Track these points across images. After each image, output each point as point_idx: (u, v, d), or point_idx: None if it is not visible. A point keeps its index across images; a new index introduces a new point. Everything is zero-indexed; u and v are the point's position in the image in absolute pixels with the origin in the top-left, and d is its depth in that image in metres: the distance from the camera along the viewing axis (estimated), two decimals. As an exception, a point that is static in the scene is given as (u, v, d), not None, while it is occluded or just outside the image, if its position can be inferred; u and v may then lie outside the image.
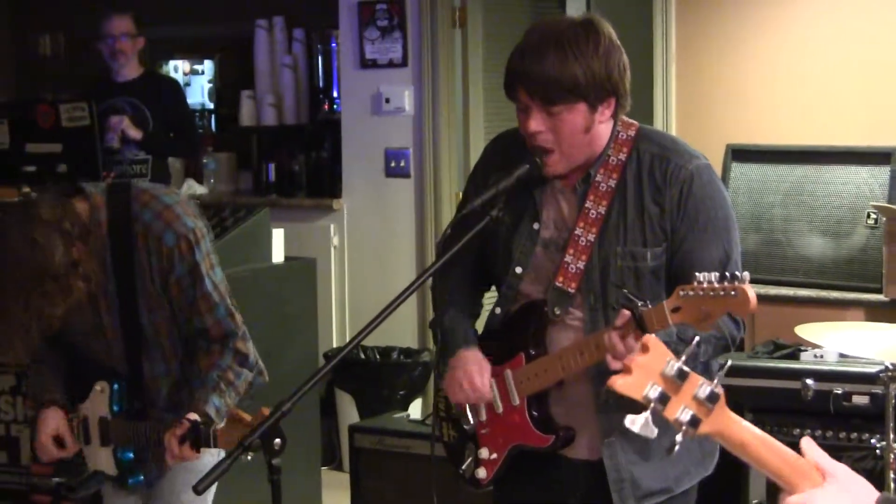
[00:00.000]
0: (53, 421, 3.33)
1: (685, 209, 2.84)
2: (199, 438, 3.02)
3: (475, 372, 2.98)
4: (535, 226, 2.94)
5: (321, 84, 7.07)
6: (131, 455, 3.32)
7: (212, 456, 3.15)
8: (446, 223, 5.75)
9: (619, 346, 2.65)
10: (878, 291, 4.99)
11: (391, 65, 6.20)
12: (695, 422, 1.97)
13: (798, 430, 4.33)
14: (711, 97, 5.57)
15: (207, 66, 7.98)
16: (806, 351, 4.52)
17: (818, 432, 4.30)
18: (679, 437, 1.97)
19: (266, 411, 2.67)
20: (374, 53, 6.23)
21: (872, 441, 4.15)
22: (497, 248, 2.99)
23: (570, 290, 2.87)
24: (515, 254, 2.95)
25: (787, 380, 4.36)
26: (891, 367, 3.93)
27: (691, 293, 2.54)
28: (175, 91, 6.56)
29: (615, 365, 2.68)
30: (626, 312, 2.64)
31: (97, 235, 3.14)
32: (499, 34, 6.35)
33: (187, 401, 3.22)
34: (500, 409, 3.00)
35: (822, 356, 4.51)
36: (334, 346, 6.16)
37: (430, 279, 2.96)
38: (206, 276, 3.21)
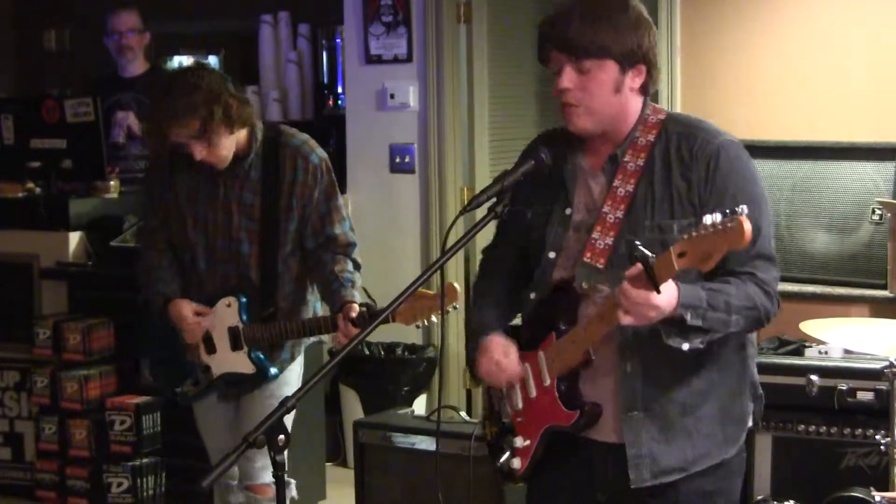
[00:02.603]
0: (187, 305, 3.98)
1: (713, 183, 2.85)
2: (369, 317, 3.74)
3: (500, 353, 3.03)
4: (567, 211, 2.98)
5: (326, 79, 7.07)
6: (262, 355, 3.98)
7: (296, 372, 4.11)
8: (451, 218, 5.75)
9: (632, 294, 2.66)
10: (883, 287, 4.98)
11: (396, 60, 6.19)
12: None
13: (803, 426, 4.33)
14: (716, 93, 5.56)
15: (212, 61, 7.97)
16: (811, 347, 4.52)
17: (823, 428, 4.30)
18: None
19: (452, 284, 3.77)
20: (378, 49, 6.23)
21: (877, 437, 4.15)
22: (534, 236, 3.03)
23: (598, 265, 2.89)
24: (549, 239, 2.99)
25: (792, 376, 4.37)
26: (895, 363, 3.93)
27: (694, 234, 2.56)
28: None
29: (626, 320, 2.71)
30: (638, 265, 2.65)
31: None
32: (503, 30, 6.35)
33: (326, 301, 3.98)
34: (534, 394, 3.02)
35: (826, 352, 4.52)
36: (339, 341, 6.17)
37: (439, 274, 2.98)
38: (338, 194, 4.02)
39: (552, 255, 2.99)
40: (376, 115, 6.27)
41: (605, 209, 2.90)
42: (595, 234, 2.90)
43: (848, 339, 4.04)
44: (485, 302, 3.19)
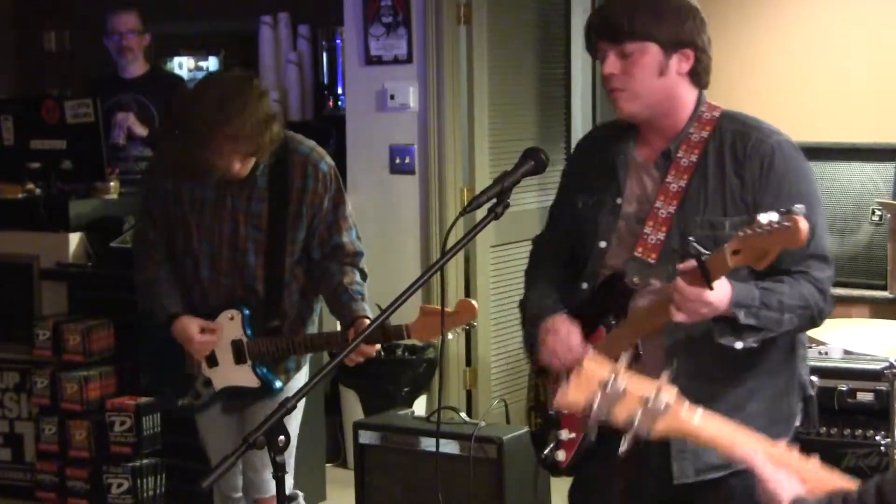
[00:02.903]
0: (192, 322, 3.86)
1: (767, 181, 2.86)
2: (381, 334, 3.75)
3: (567, 332, 3.00)
4: (618, 200, 2.99)
5: (326, 80, 7.08)
6: (265, 368, 3.90)
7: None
8: (451, 219, 5.76)
9: (685, 290, 2.66)
10: (883, 288, 4.98)
11: (396, 61, 6.19)
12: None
13: (802, 427, 4.33)
14: (716, 95, 5.54)
15: (212, 62, 7.98)
16: (811, 347, 4.52)
17: (823, 429, 4.30)
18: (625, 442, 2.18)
19: (470, 302, 3.81)
20: (378, 50, 6.22)
21: (877, 438, 4.16)
22: (586, 227, 3.04)
23: (650, 260, 2.90)
24: (600, 229, 3.00)
25: (792, 376, 4.36)
26: (895, 363, 3.93)
27: (749, 232, 2.55)
28: (181, 88, 6.56)
29: (678, 316, 2.71)
30: (692, 261, 2.66)
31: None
32: (504, 31, 6.34)
33: (335, 314, 3.89)
34: None
35: (826, 353, 4.52)
36: (339, 342, 6.17)
37: (440, 275, 2.98)
38: (346, 203, 3.94)
39: (603, 244, 3.00)
40: (376, 116, 6.27)
41: (658, 204, 2.91)
42: (647, 229, 2.91)
43: (848, 339, 4.04)
44: (541, 287, 3.18)
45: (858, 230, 5.10)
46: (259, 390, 3.92)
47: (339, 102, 6.91)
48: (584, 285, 3.05)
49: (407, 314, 3.62)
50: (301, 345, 3.90)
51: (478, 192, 3.23)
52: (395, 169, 6.24)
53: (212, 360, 3.93)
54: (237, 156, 3.68)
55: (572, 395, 2.21)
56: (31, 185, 5.82)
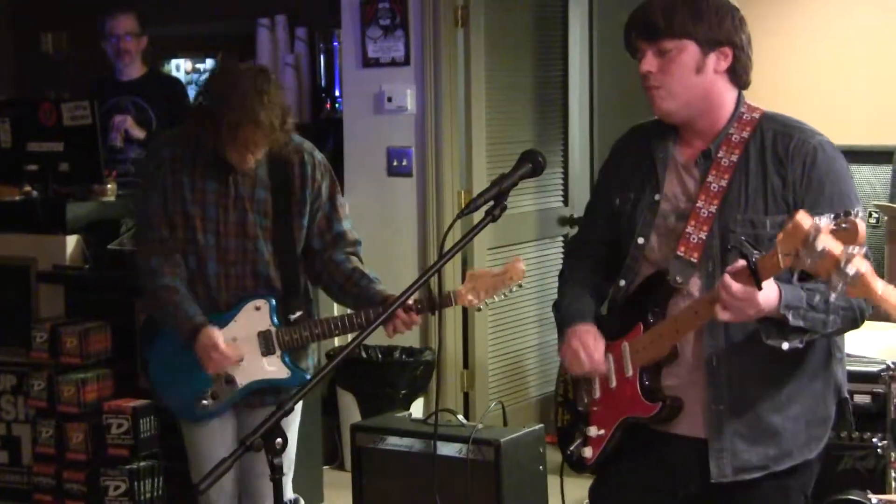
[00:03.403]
0: (217, 333, 3.77)
1: (810, 182, 2.86)
2: (428, 304, 3.77)
3: (589, 341, 3.01)
4: (657, 197, 2.99)
5: (323, 83, 7.07)
6: (291, 360, 3.86)
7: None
8: (448, 222, 5.76)
9: (733, 287, 2.65)
10: (881, 290, 4.98)
11: (393, 63, 6.19)
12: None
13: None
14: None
15: (210, 64, 7.98)
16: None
17: (820, 431, 4.29)
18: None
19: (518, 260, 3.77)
20: (376, 52, 6.23)
21: (874, 440, 4.15)
22: (623, 224, 3.05)
23: (692, 259, 2.90)
24: (637, 225, 3.00)
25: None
26: (892, 366, 3.94)
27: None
28: (178, 90, 6.56)
29: (724, 315, 2.71)
30: (742, 261, 2.66)
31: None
32: (501, 33, 6.35)
33: (357, 298, 3.89)
34: (614, 384, 3.03)
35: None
36: (336, 345, 6.16)
37: (437, 277, 2.98)
38: (339, 192, 4.00)
39: (641, 240, 3.00)
40: (374, 119, 6.27)
41: (699, 203, 2.91)
42: (689, 229, 2.91)
43: (845, 342, 4.04)
44: (573, 289, 3.18)
45: (855, 232, 5.10)
46: (289, 380, 3.86)
47: (337, 105, 6.91)
48: (622, 282, 3.05)
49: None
50: (338, 326, 3.82)
51: (475, 194, 3.23)
52: (393, 171, 6.24)
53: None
54: (258, 147, 3.74)
55: (783, 244, 2.48)
56: (28, 188, 5.82)
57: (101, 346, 5.36)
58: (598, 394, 3.08)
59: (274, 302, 3.85)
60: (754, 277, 2.64)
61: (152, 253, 3.89)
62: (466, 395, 6.26)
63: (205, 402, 3.87)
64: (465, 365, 6.25)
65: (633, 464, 3.05)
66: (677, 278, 2.92)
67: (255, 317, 3.84)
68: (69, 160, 5.68)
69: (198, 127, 3.76)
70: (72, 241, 5.59)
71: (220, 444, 3.93)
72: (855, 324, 2.92)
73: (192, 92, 7.16)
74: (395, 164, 6.23)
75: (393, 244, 6.22)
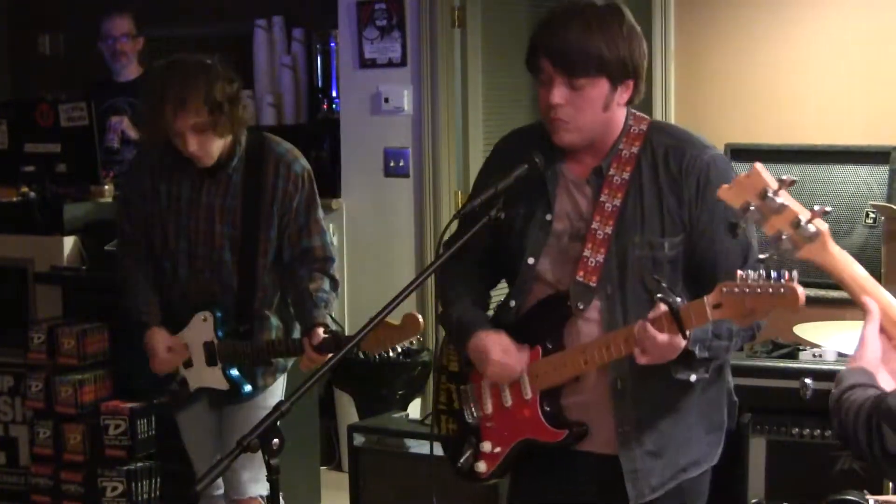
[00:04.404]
0: (162, 337, 3.91)
1: (704, 199, 2.83)
2: (333, 344, 3.66)
3: (500, 352, 2.94)
4: (548, 217, 2.93)
5: (320, 84, 7.07)
6: (236, 372, 3.90)
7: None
8: (445, 222, 5.75)
9: (659, 337, 2.63)
10: (877, 291, 4.98)
11: (390, 64, 6.20)
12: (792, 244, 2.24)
13: (797, 430, 4.33)
14: (710, 96, 5.57)
15: (207, 65, 7.96)
16: (805, 350, 4.53)
17: (817, 431, 4.30)
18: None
19: (416, 316, 3.60)
20: (373, 53, 6.23)
21: (871, 440, 4.15)
22: (511, 240, 2.98)
23: (591, 283, 2.87)
24: (528, 245, 2.94)
25: (786, 379, 4.37)
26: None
27: (736, 290, 2.53)
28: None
29: (643, 360, 2.69)
30: (662, 306, 2.63)
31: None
32: (498, 34, 6.35)
33: (297, 319, 3.89)
34: (509, 403, 2.98)
35: (820, 355, 4.52)
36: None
37: (434, 278, 2.96)
38: (318, 206, 3.93)
39: (531, 260, 2.94)
40: (370, 119, 6.27)
41: (594, 225, 2.87)
42: (586, 252, 2.87)
43: (842, 342, 4.04)
44: (460, 298, 3.08)
45: (852, 233, 5.10)
46: (228, 393, 3.95)
47: (334, 106, 6.90)
48: (513, 303, 2.99)
49: (401, 318, 3.61)
50: (263, 350, 3.90)
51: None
52: (390, 172, 6.24)
53: (187, 361, 3.97)
54: (195, 133, 3.72)
55: (730, 193, 2.31)
56: (25, 189, 5.81)
57: (98, 347, 5.35)
58: (489, 409, 3.03)
59: (220, 314, 3.89)
60: (679, 327, 2.62)
61: (118, 245, 4.16)
62: (464, 396, 6.25)
63: (162, 400, 4.06)
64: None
65: (543, 480, 3.02)
66: (579, 304, 2.87)
67: (202, 327, 3.91)
68: (66, 161, 5.68)
69: (143, 127, 3.87)
70: (69, 242, 5.59)
71: (203, 430, 4.07)
72: (752, 339, 2.94)
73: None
74: (391, 164, 6.24)
75: (389, 245, 6.22)
